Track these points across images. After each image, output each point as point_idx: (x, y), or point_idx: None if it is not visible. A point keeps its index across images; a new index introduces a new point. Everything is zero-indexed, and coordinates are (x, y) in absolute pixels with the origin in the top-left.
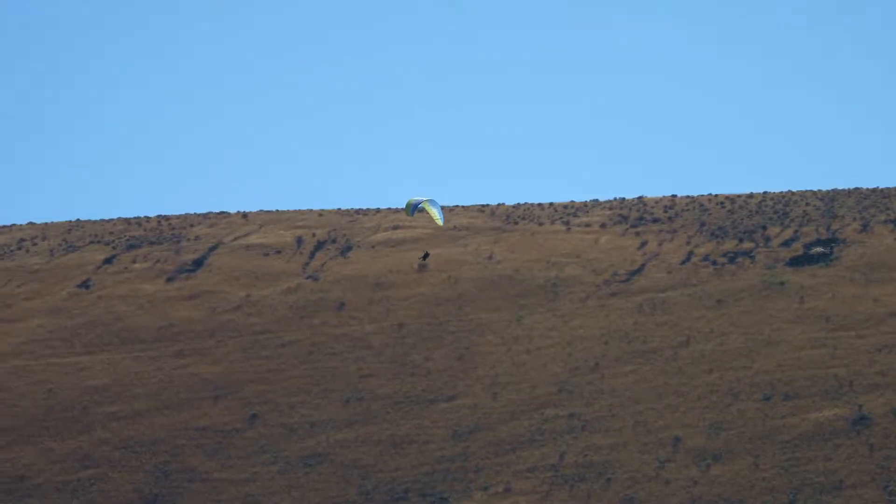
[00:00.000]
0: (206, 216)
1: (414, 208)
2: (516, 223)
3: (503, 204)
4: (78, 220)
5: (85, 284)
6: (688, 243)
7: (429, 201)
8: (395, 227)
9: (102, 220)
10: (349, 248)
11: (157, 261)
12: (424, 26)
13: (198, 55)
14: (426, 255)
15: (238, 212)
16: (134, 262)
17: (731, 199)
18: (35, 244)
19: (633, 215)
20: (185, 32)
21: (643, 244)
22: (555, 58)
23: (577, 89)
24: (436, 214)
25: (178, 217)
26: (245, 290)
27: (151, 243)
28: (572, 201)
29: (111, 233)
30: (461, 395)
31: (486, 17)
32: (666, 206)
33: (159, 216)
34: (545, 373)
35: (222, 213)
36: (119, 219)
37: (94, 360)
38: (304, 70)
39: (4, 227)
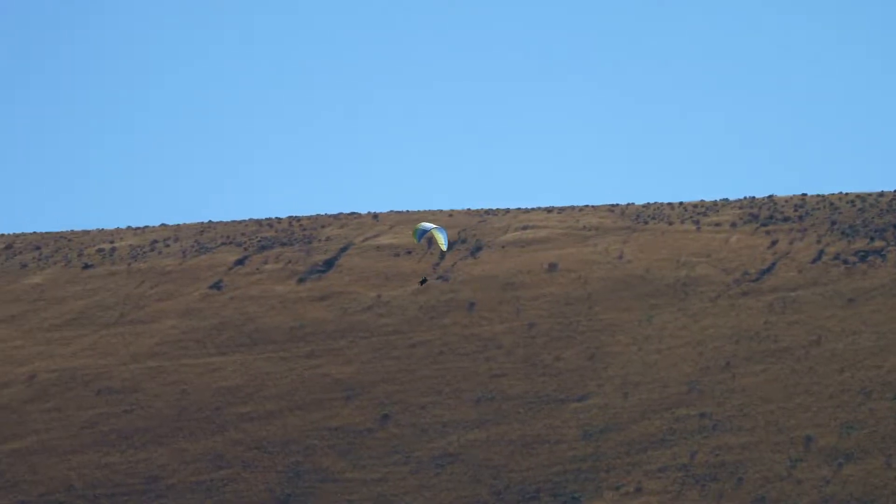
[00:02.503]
0: (337, 217)
1: (422, 234)
2: (646, 223)
3: (633, 203)
4: (210, 221)
5: (217, 285)
6: (818, 242)
7: (436, 229)
8: (525, 228)
9: (234, 222)
10: (479, 249)
11: (289, 261)
12: (549, 26)
13: (331, 59)
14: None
15: (369, 212)
16: (265, 262)
17: (862, 197)
18: (167, 246)
19: (764, 214)
20: (312, 38)
21: (773, 243)
22: (685, 57)
23: (705, 88)
24: (441, 239)
25: (310, 218)
26: (376, 290)
27: (283, 244)
28: (702, 200)
29: (243, 234)
30: (592, 395)
31: (620, 16)
32: (796, 205)
33: (291, 217)
34: (676, 372)
35: (353, 213)
36: (250, 220)
37: (226, 361)
38: (438, 73)
39: (137, 228)
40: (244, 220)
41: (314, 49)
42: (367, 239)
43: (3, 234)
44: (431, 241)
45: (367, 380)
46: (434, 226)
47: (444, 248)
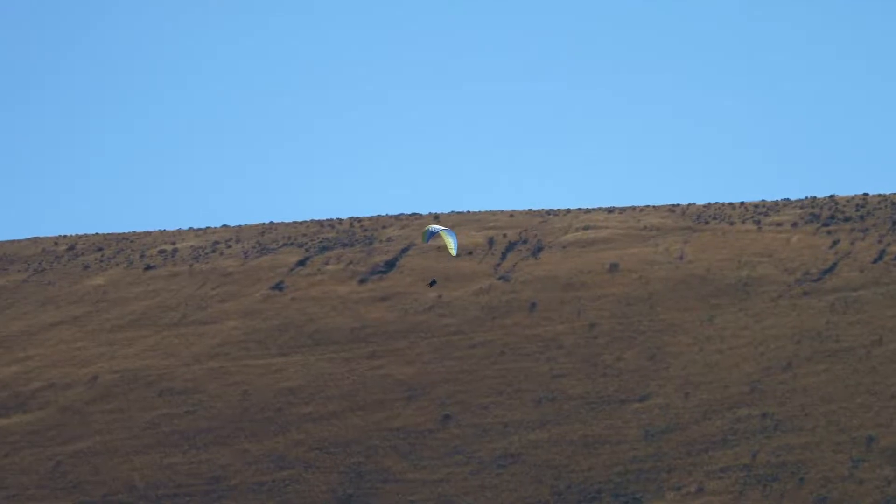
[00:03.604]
0: (398, 217)
1: (430, 235)
2: (707, 223)
3: (694, 203)
4: (271, 222)
5: (278, 286)
6: (880, 241)
7: (445, 231)
8: (586, 228)
9: (295, 223)
10: (540, 249)
11: (350, 262)
12: (607, 27)
13: (397, 61)
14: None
15: (430, 213)
16: (327, 263)
17: None
18: (229, 247)
19: (825, 214)
20: (375, 42)
21: (835, 243)
22: (749, 58)
23: (768, 88)
24: (450, 243)
25: (371, 219)
26: (437, 290)
27: (344, 245)
28: (763, 200)
29: (304, 235)
30: (653, 395)
31: (686, 16)
32: (858, 205)
33: (352, 218)
34: (737, 372)
35: (414, 214)
36: (312, 221)
37: (288, 362)
38: (502, 74)
39: (199, 230)
40: (305, 221)
41: (379, 52)
42: None
43: (65, 236)
44: (493, 241)
45: (429, 380)
46: (443, 228)
47: (454, 252)
